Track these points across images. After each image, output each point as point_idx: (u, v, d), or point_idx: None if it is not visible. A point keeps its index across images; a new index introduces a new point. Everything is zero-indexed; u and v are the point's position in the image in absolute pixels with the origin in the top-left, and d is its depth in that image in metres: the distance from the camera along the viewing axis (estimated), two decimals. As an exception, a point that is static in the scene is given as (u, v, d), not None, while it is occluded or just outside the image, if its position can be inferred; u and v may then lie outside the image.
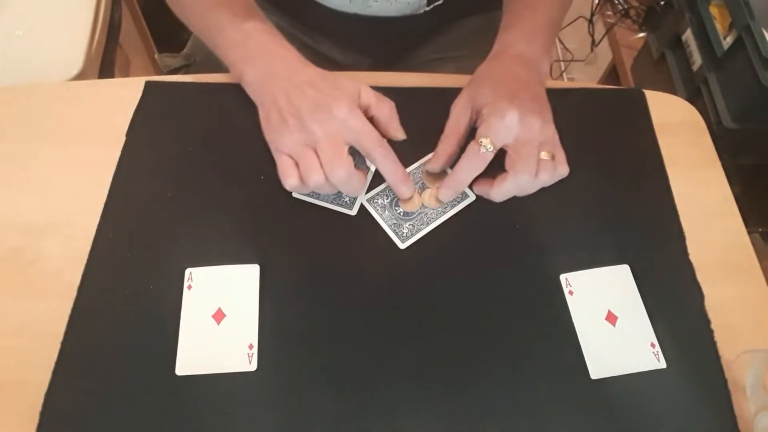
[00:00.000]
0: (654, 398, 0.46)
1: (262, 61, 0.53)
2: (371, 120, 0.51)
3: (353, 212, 0.53)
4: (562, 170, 0.51)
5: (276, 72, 0.52)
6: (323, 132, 0.48)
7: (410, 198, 0.52)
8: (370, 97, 0.51)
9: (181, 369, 0.45)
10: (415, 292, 0.49)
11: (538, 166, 0.49)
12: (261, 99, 0.53)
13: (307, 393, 0.45)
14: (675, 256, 0.53)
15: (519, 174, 0.49)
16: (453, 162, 0.52)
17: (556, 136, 0.51)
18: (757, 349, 0.47)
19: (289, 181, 0.49)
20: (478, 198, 0.54)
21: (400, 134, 0.53)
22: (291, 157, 0.50)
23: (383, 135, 0.51)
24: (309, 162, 0.48)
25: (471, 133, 0.52)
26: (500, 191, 0.50)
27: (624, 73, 1.37)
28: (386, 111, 0.52)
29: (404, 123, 0.58)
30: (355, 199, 0.53)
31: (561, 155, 0.51)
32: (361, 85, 0.51)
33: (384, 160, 0.50)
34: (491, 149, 0.49)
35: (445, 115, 0.54)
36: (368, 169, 0.54)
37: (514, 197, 0.51)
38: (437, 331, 0.48)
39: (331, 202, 0.53)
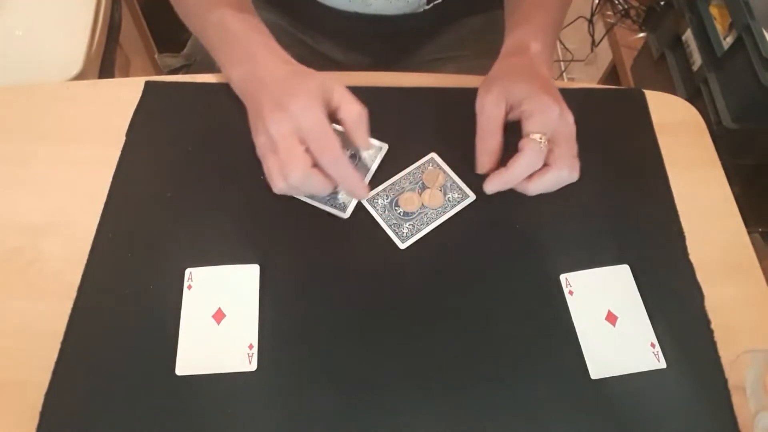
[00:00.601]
0: (654, 398, 0.46)
1: (245, 63, 0.52)
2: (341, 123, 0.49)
3: (346, 215, 0.52)
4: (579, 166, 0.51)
5: (256, 74, 0.51)
6: (277, 131, 0.46)
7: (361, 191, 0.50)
8: (339, 99, 0.48)
9: (181, 369, 0.45)
10: (415, 292, 0.49)
11: (574, 162, 0.49)
12: (245, 102, 0.52)
13: (307, 393, 0.45)
14: (675, 256, 0.52)
15: (561, 169, 0.49)
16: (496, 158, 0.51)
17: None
18: (757, 349, 0.47)
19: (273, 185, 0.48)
20: (478, 198, 0.54)
21: (363, 143, 0.49)
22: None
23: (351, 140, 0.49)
24: (270, 166, 0.47)
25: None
26: (539, 185, 0.49)
27: (624, 73, 1.37)
28: (353, 115, 0.48)
29: (405, 123, 0.58)
30: (350, 201, 0.53)
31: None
32: (335, 85, 0.49)
33: (332, 167, 0.46)
34: (546, 144, 0.48)
35: (446, 115, 0.54)
36: (368, 169, 0.54)
37: (515, 196, 0.51)
38: (437, 331, 0.48)
39: (325, 203, 0.52)
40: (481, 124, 0.51)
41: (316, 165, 0.47)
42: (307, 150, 0.46)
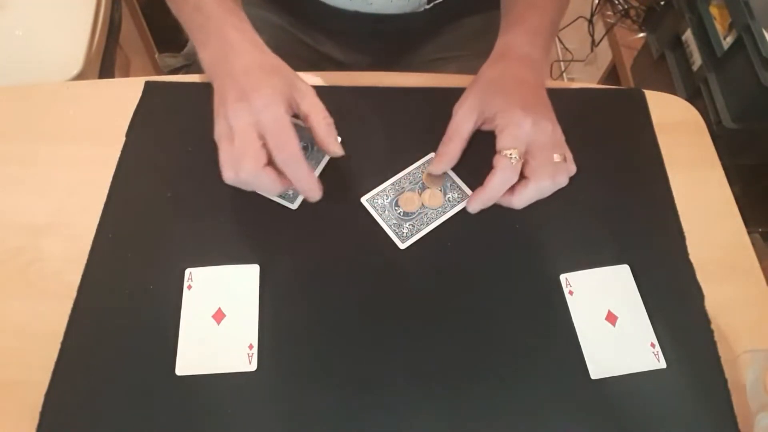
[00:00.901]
0: (654, 398, 0.46)
1: (216, 46, 0.51)
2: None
3: (294, 206, 0.52)
4: (573, 168, 0.52)
5: (226, 59, 0.50)
6: (237, 123, 0.46)
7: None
8: (309, 108, 0.48)
9: (181, 369, 0.45)
10: (415, 292, 0.49)
11: (555, 169, 0.50)
12: (213, 84, 0.51)
13: (307, 393, 0.45)
14: (675, 256, 0.52)
15: (540, 180, 0.50)
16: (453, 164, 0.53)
17: (563, 137, 0.52)
18: (757, 349, 0.47)
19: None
20: (478, 198, 0.54)
21: (337, 152, 0.49)
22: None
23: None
24: (223, 155, 0.47)
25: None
26: (522, 198, 0.50)
27: (624, 73, 1.37)
28: (323, 127, 0.48)
29: (405, 123, 0.58)
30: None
31: (569, 154, 0.52)
32: (306, 91, 0.49)
33: (287, 165, 0.46)
34: (518, 159, 0.49)
35: (446, 115, 0.54)
36: (320, 160, 0.54)
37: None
38: (437, 331, 0.48)
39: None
40: (449, 128, 0.53)
41: (270, 163, 0.46)
42: (264, 146, 0.46)
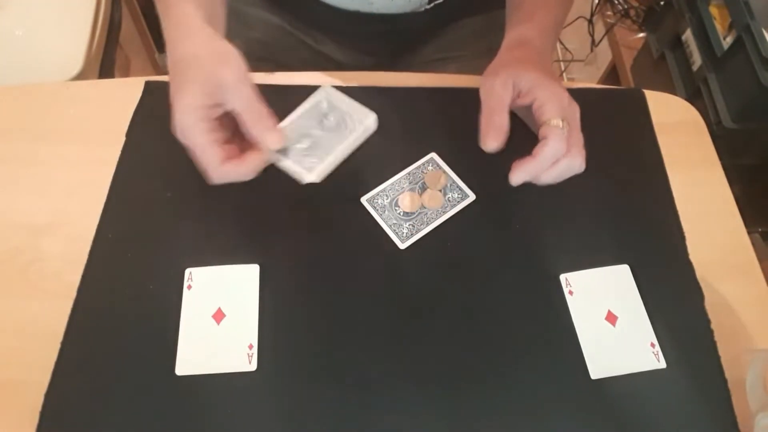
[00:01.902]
0: (654, 398, 0.46)
1: (171, 40, 0.49)
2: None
3: (308, 179, 0.50)
4: (584, 154, 0.51)
5: (172, 54, 0.48)
6: (177, 131, 0.46)
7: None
8: (233, 104, 0.46)
9: (181, 369, 0.45)
10: (415, 292, 0.49)
11: (582, 149, 0.49)
12: None
13: (307, 393, 0.45)
14: (675, 256, 0.52)
15: (575, 157, 0.48)
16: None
17: None
18: (757, 349, 0.47)
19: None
20: (478, 198, 0.54)
21: (269, 142, 0.47)
22: None
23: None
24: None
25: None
26: (553, 173, 0.48)
27: (624, 73, 1.37)
28: (247, 122, 0.46)
29: (405, 123, 0.58)
30: (316, 165, 0.50)
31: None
32: (235, 84, 0.46)
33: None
34: (568, 129, 0.48)
35: (447, 115, 0.54)
36: (345, 137, 0.53)
37: (515, 196, 0.51)
38: (437, 331, 0.48)
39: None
40: (489, 103, 0.49)
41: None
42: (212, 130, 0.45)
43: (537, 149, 0.47)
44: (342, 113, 0.55)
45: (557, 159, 0.47)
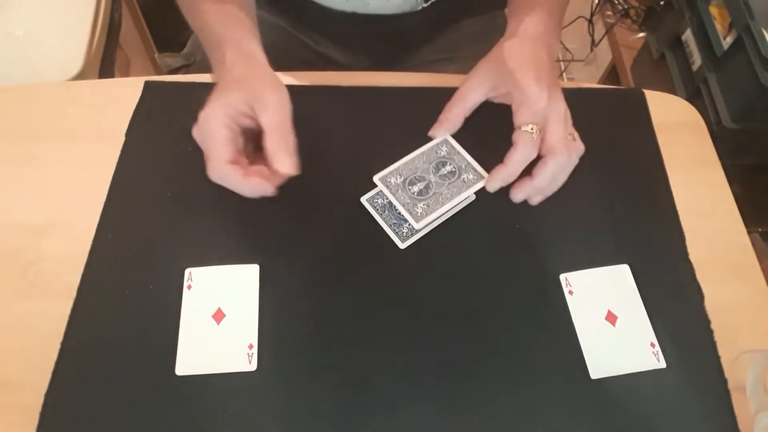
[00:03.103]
0: (654, 398, 0.46)
1: (215, 60, 0.53)
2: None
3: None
4: (581, 147, 0.52)
5: (218, 69, 0.52)
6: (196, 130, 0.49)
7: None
8: (264, 122, 0.47)
9: (181, 369, 0.45)
10: (415, 292, 0.49)
11: (569, 145, 0.50)
12: None
13: (307, 393, 0.45)
14: (675, 256, 0.52)
15: (558, 155, 0.49)
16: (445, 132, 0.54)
17: (570, 115, 0.52)
18: (757, 349, 0.47)
19: None
20: (478, 198, 0.53)
21: (283, 167, 0.47)
22: None
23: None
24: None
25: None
26: (543, 178, 0.50)
27: (624, 73, 1.37)
28: (270, 143, 0.47)
29: (404, 123, 0.58)
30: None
31: (576, 133, 0.52)
32: (271, 104, 0.47)
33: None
34: (538, 134, 0.49)
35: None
36: (459, 193, 0.52)
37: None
38: (437, 331, 0.48)
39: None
40: (453, 97, 0.54)
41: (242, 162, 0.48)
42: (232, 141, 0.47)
43: (507, 156, 0.50)
44: (458, 166, 0.52)
45: (529, 162, 0.49)
